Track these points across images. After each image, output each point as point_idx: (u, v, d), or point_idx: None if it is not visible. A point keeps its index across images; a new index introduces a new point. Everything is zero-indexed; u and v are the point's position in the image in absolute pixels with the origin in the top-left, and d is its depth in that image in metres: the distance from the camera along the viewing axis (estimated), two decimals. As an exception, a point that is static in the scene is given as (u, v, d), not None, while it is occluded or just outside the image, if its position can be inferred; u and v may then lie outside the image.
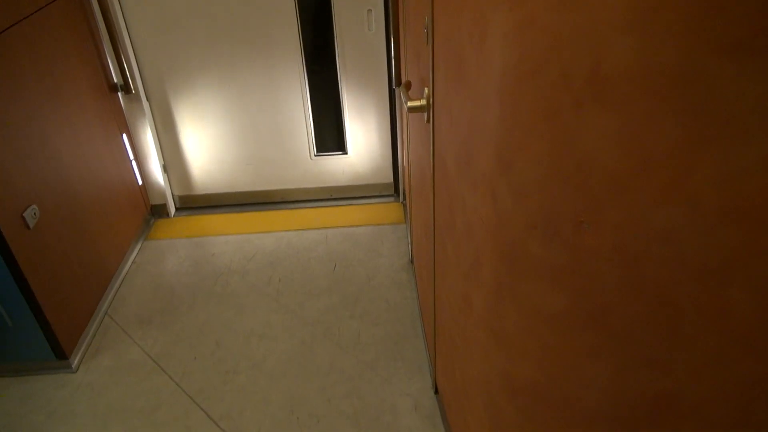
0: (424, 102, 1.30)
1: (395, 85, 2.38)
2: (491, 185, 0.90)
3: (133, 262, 2.65)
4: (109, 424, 1.86)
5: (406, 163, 2.58)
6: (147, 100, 2.73)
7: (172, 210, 3.03)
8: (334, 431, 1.77)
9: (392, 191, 3.09)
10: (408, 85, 1.42)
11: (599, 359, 0.87)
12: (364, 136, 2.91)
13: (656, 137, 0.65)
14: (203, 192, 3.06)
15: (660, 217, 0.70)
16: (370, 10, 2.56)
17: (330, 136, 2.94)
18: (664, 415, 0.91)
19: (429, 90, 1.28)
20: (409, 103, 1.29)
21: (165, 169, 2.95)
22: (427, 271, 1.81)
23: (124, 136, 2.69)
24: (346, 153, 2.95)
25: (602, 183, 0.71)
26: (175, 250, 2.74)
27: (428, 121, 1.33)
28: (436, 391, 1.85)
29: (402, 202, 3.01)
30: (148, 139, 2.78)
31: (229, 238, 2.82)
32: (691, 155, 0.64)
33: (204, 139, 2.88)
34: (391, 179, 3.06)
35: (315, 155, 2.96)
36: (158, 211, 2.99)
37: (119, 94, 2.65)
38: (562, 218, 0.77)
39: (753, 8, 0.54)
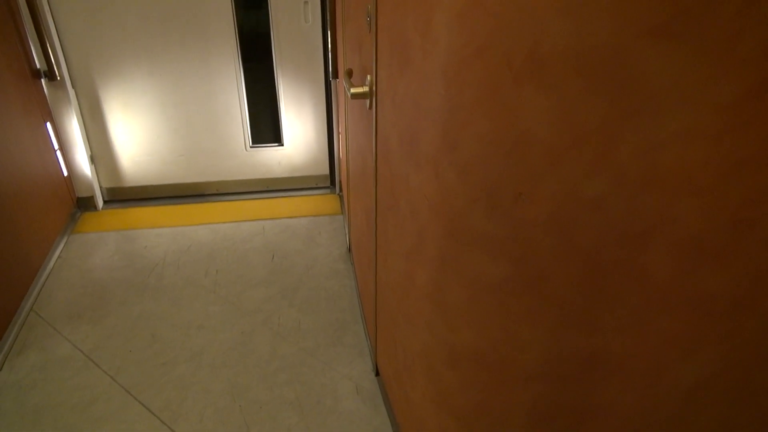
0: (366, 89, 1.34)
1: (332, 77, 2.42)
2: (435, 164, 0.95)
3: (59, 257, 2.54)
4: (40, 421, 1.79)
5: (342, 155, 2.62)
6: (73, 87, 2.63)
7: (100, 202, 2.93)
8: (277, 417, 1.79)
9: (329, 183, 3.12)
10: (350, 73, 1.46)
11: (536, 322, 0.94)
12: (300, 128, 2.92)
13: (587, 113, 0.72)
14: (134, 184, 2.97)
15: (590, 187, 0.78)
16: (306, 2, 2.58)
17: (266, 127, 2.93)
18: (594, 371, 1.00)
19: (372, 77, 1.32)
20: (353, 90, 1.33)
21: (92, 160, 2.84)
22: (367, 258, 1.86)
23: (48, 125, 2.58)
24: (282, 145, 2.95)
25: (539, 157, 0.78)
26: (104, 244, 2.65)
27: (371, 107, 1.37)
28: (377, 374, 1.90)
29: (338, 194, 3.04)
30: (74, 128, 2.67)
31: (163, 230, 2.76)
32: (617, 129, 0.72)
33: (135, 130, 2.80)
34: (327, 171, 3.08)
35: (250, 147, 2.94)
36: (85, 203, 2.88)
37: (42, 80, 2.53)
38: (503, 191, 0.84)
39: (669, -4, 0.62)
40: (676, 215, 0.79)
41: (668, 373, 1.01)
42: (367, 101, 1.38)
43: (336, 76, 2.43)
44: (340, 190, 2.99)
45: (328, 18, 2.27)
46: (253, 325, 2.16)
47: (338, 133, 2.82)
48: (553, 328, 0.94)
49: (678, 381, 1.03)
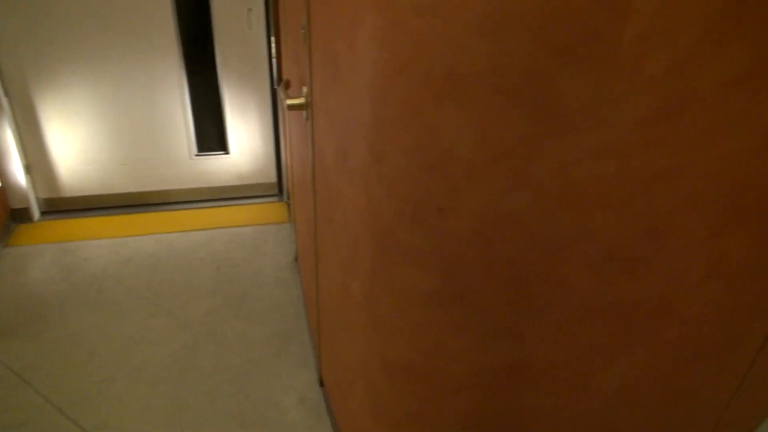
0: (303, 100, 1.34)
1: (277, 84, 2.40)
2: (365, 177, 0.96)
3: (-9, 271, 2.44)
4: (-34, 445, 1.71)
5: (289, 162, 2.60)
6: (6, 95, 2.53)
7: (36, 214, 2.82)
8: (220, 431, 1.76)
9: (276, 191, 3.09)
10: (287, 84, 1.45)
11: (464, 334, 0.96)
12: (246, 135, 2.88)
13: (505, 131, 0.74)
14: (73, 194, 2.88)
15: (510, 202, 0.79)
16: (250, 9, 2.56)
17: (211, 135, 2.88)
18: (521, 379, 1.02)
19: (308, 88, 1.32)
20: (288, 102, 1.32)
21: (28, 170, 2.74)
22: (310, 266, 1.85)
23: (-21, 134, 2.47)
24: (228, 153, 2.91)
25: (461, 172, 0.79)
26: (40, 257, 2.55)
27: (307, 119, 1.37)
28: (322, 384, 1.89)
29: (286, 202, 3.02)
30: (7, 137, 2.57)
31: (103, 242, 2.67)
32: (535, 146, 0.74)
33: (74, 138, 2.71)
34: (275, 179, 3.06)
35: (195, 155, 2.89)
36: (19, 215, 2.76)
37: (-28, 87, 2.43)
38: (427, 205, 0.85)
39: (578, 20, 0.64)
40: (592, 228, 0.82)
41: (592, 379, 1.04)
42: (304, 113, 1.38)
43: (281, 82, 2.41)
44: (288, 198, 2.96)
45: (272, 25, 2.26)
46: (197, 337, 2.11)
47: (285, 140, 2.81)
48: (481, 339, 0.95)
49: (602, 387, 1.07)
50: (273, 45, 2.32)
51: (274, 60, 2.55)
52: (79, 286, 2.37)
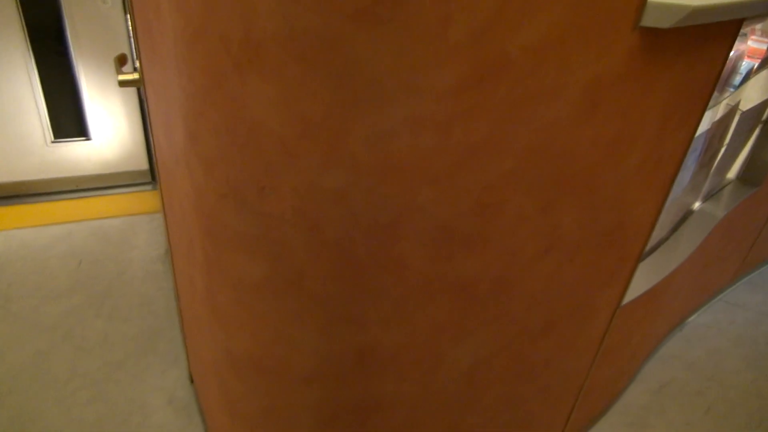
0: (136, 75, 1.22)
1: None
2: (186, 158, 0.87)
3: None
4: None
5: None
6: None
7: None
8: (76, 443, 1.61)
9: (149, 178, 2.89)
10: (122, 60, 1.32)
11: (304, 322, 0.90)
12: (109, 119, 2.66)
13: (311, 102, 0.67)
14: None
15: (328, 179, 0.74)
16: (102, -19, 2.34)
17: (69, 120, 2.63)
18: (368, 365, 0.98)
19: (140, 61, 1.20)
20: (120, 77, 1.20)
21: None
22: (172, 260, 1.73)
23: None
24: (89, 138, 2.68)
25: (274, 148, 0.72)
26: None
27: (144, 96, 1.25)
28: (192, 380, 1.79)
29: (159, 189, 2.83)
30: None
31: (-57, 242, 2.38)
32: (344, 118, 0.68)
33: None
34: (146, 166, 2.85)
35: (52, 142, 2.63)
36: None
37: None
38: (246, 185, 0.78)
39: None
40: (420, 204, 0.78)
41: (444, 358, 1.03)
42: (140, 89, 1.25)
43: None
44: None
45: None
46: (51, 341, 1.93)
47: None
48: (322, 327, 0.90)
49: (454, 365, 1.05)
50: (129, 21, 2.13)
51: (132, 36, 2.35)
52: None
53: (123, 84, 1.19)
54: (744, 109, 1.68)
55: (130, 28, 2.19)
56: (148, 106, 1.22)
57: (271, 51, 0.65)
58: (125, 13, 2.42)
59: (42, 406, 1.70)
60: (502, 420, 1.29)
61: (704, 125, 1.41)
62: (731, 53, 1.02)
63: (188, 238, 1.04)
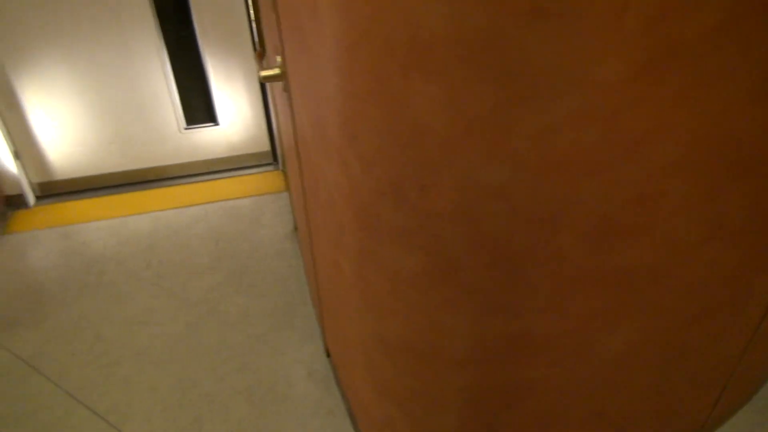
0: (278, 71, 1.27)
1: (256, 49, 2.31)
2: (341, 154, 0.91)
3: (-10, 261, 2.43)
4: (-20, 438, 1.73)
5: (280, 130, 2.54)
6: (-17, 81, 2.46)
7: (31, 199, 2.79)
8: (229, 408, 1.76)
9: (271, 159, 3.03)
10: (261, 54, 1.38)
11: (456, 311, 0.92)
12: (234, 104, 2.81)
13: (475, 101, 0.67)
14: (66, 177, 2.84)
15: (490, 175, 0.74)
16: (225, -28, 2.44)
17: (198, 107, 2.81)
18: (519, 352, 0.99)
19: (281, 58, 1.25)
20: (262, 73, 1.26)
21: (17, 155, 2.69)
22: (306, 239, 1.82)
23: (-39, 124, 2.42)
24: (218, 124, 2.84)
25: (436, 147, 0.74)
26: (38, 243, 2.53)
27: (285, 90, 1.31)
28: (329, 355, 1.89)
29: (282, 170, 2.96)
30: (-10, 124, 2.52)
31: (101, 223, 2.65)
32: (508, 115, 0.68)
33: (59, 121, 2.65)
34: (268, 147, 2.99)
35: (185, 128, 2.83)
36: (14, 202, 2.74)
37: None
38: (407, 183, 0.80)
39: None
40: (580, 197, 0.76)
41: (595, 345, 1.01)
42: (282, 83, 1.31)
43: (263, 47, 2.32)
44: (283, 166, 2.91)
45: (249, -12, 2.15)
46: (199, 315, 2.11)
47: (273, 107, 2.73)
48: (474, 316, 0.92)
49: (605, 351, 1.03)
50: (251, 9, 2.22)
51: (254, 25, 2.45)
52: (79, 271, 2.36)
53: (266, 79, 1.25)
54: None
55: (252, 16, 2.27)
56: (290, 99, 1.27)
57: (437, 53, 0.66)
58: (245, 2, 2.52)
59: (198, 373, 1.87)
60: (648, 406, 1.25)
61: None
62: None
63: (338, 225, 1.09)
